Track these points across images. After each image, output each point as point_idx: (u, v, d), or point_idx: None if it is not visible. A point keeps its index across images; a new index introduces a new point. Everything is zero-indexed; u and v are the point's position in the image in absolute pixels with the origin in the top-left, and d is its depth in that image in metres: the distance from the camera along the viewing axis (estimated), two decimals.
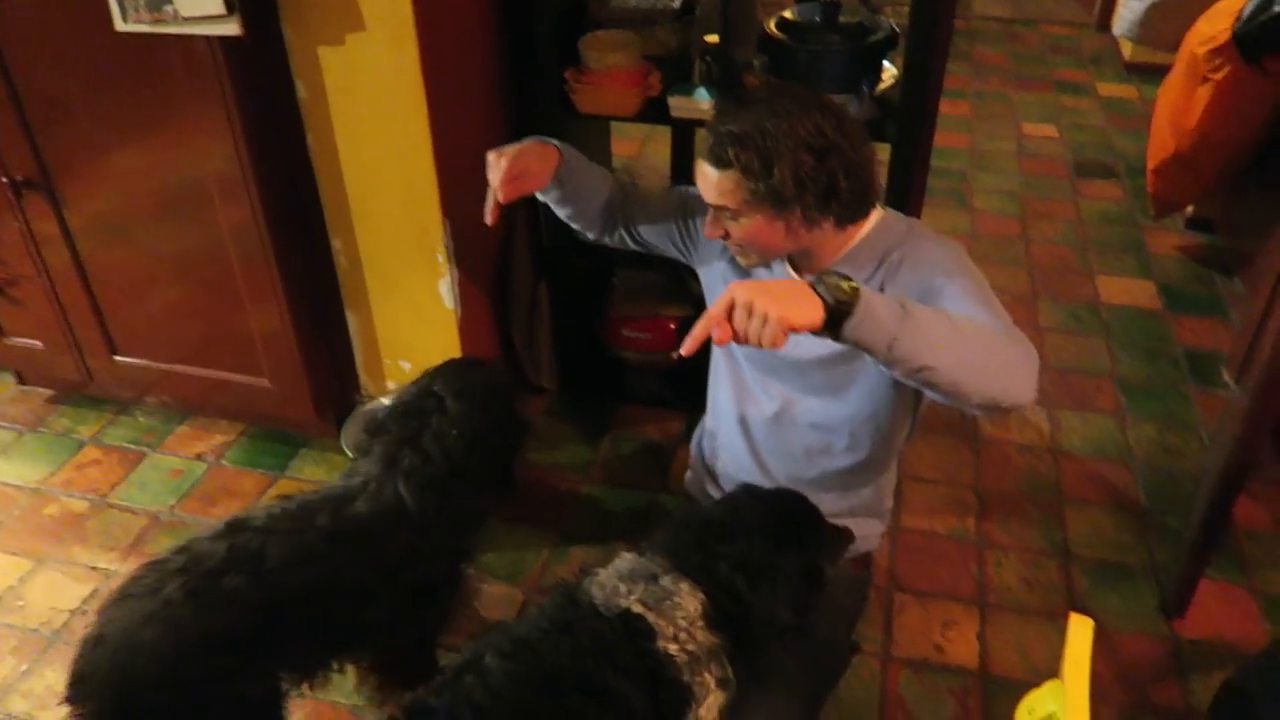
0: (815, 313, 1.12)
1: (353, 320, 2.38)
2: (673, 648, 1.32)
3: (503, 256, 2.47)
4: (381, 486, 1.58)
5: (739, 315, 1.12)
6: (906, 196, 2.11)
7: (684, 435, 2.53)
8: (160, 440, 2.59)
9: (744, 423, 1.72)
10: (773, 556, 1.38)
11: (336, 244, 2.25)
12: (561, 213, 1.78)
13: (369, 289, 2.31)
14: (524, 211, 2.42)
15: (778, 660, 1.57)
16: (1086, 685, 0.86)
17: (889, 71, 2.13)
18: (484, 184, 1.65)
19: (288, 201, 2.15)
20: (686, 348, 1.16)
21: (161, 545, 2.26)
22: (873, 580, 1.86)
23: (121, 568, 2.20)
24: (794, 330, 1.12)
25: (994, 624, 2.06)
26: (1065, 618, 2.01)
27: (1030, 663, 1.98)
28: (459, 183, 2.11)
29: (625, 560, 1.42)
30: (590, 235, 1.84)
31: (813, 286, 1.14)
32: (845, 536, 1.56)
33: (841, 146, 1.37)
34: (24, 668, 1.98)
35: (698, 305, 1.80)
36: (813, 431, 1.65)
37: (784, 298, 1.11)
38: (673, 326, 2.62)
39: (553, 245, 2.47)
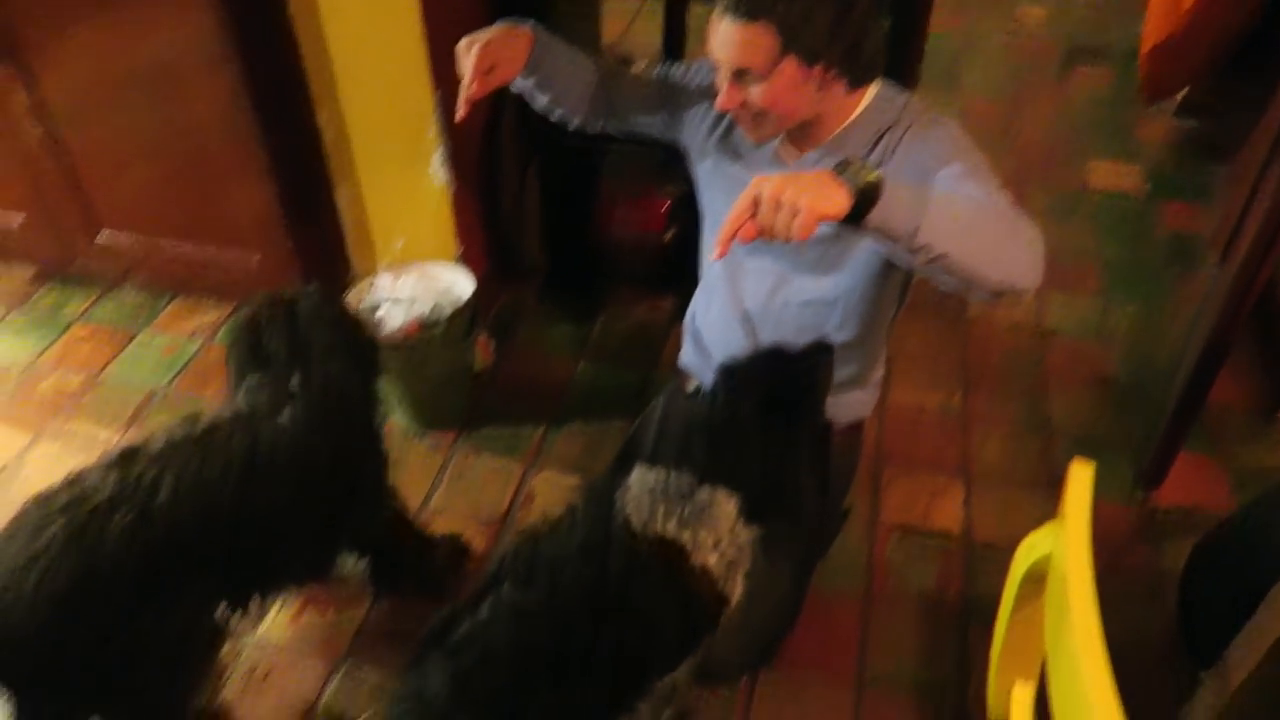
0: (843, 201, 1.11)
1: (342, 196, 2.34)
2: (712, 559, 1.34)
3: (493, 131, 2.43)
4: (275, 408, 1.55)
5: (765, 209, 1.11)
6: (901, 75, 2.08)
7: (676, 315, 2.54)
8: (150, 319, 2.58)
9: (736, 302, 1.73)
10: (787, 432, 1.39)
11: (322, 117, 2.19)
12: (538, 102, 1.69)
13: (357, 164, 2.26)
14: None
15: (773, 527, 1.63)
16: (1087, 528, 0.90)
17: None
18: None
19: (270, 73, 2.08)
20: (716, 254, 1.15)
21: (159, 419, 2.28)
22: (862, 447, 1.91)
23: (122, 439, 2.22)
24: (824, 220, 1.10)
25: (979, 494, 2.14)
26: (1045, 488, 2.12)
27: (1012, 530, 2.04)
28: (451, 52, 2.05)
29: (653, 475, 1.40)
30: (571, 124, 1.76)
31: (836, 175, 1.12)
32: (824, 349, 1.53)
33: (864, 1, 1.36)
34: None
35: (690, 184, 1.78)
36: (805, 309, 1.66)
37: (812, 188, 1.10)
38: (664, 207, 2.60)
39: (541, 123, 2.42)
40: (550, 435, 2.27)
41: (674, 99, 1.68)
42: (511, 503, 2.12)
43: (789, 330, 1.68)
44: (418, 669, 1.26)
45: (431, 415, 2.28)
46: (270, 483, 1.47)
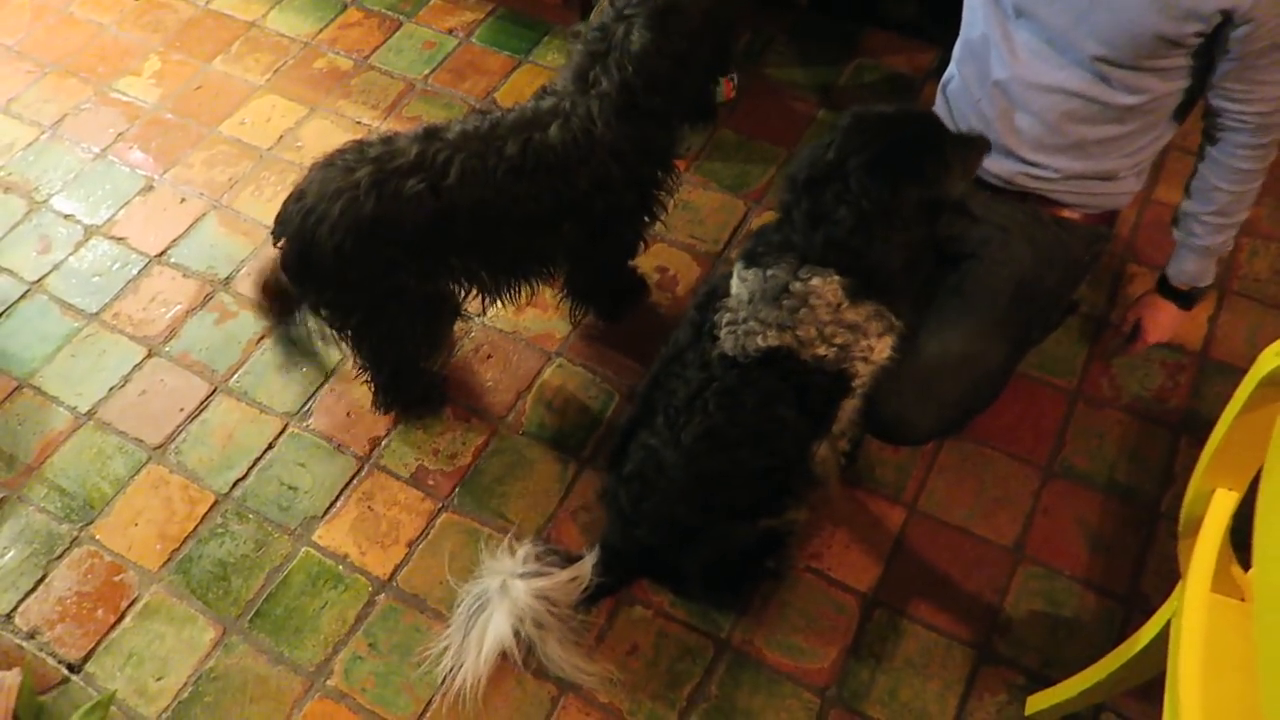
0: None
1: None
2: (821, 349, 1.33)
3: None
4: (573, 110, 1.55)
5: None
6: None
7: (934, 70, 2.36)
8: (415, 10, 2.67)
9: (996, 80, 1.56)
10: (885, 199, 1.28)
11: None
12: None
13: None
14: None
15: (990, 286, 1.57)
16: None
17: None
18: None
19: None
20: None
21: (416, 110, 2.42)
22: (1111, 242, 1.77)
23: (382, 125, 2.39)
24: None
25: (1230, 310, 1.96)
26: None
27: (1257, 353, 1.90)
28: None
29: (749, 279, 1.37)
30: None
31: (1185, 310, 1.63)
32: (979, 145, 1.43)
33: None
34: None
35: None
36: (1069, 99, 1.50)
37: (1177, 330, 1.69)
38: None
39: None
40: (779, 178, 2.24)
41: None
42: (729, 240, 2.15)
43: (1051, 116, 1.52)
44: (608, 495, 1.58)
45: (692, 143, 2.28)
46: (531, 185, 1.56)
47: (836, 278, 1.32)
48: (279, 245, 1.59)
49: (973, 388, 1.57)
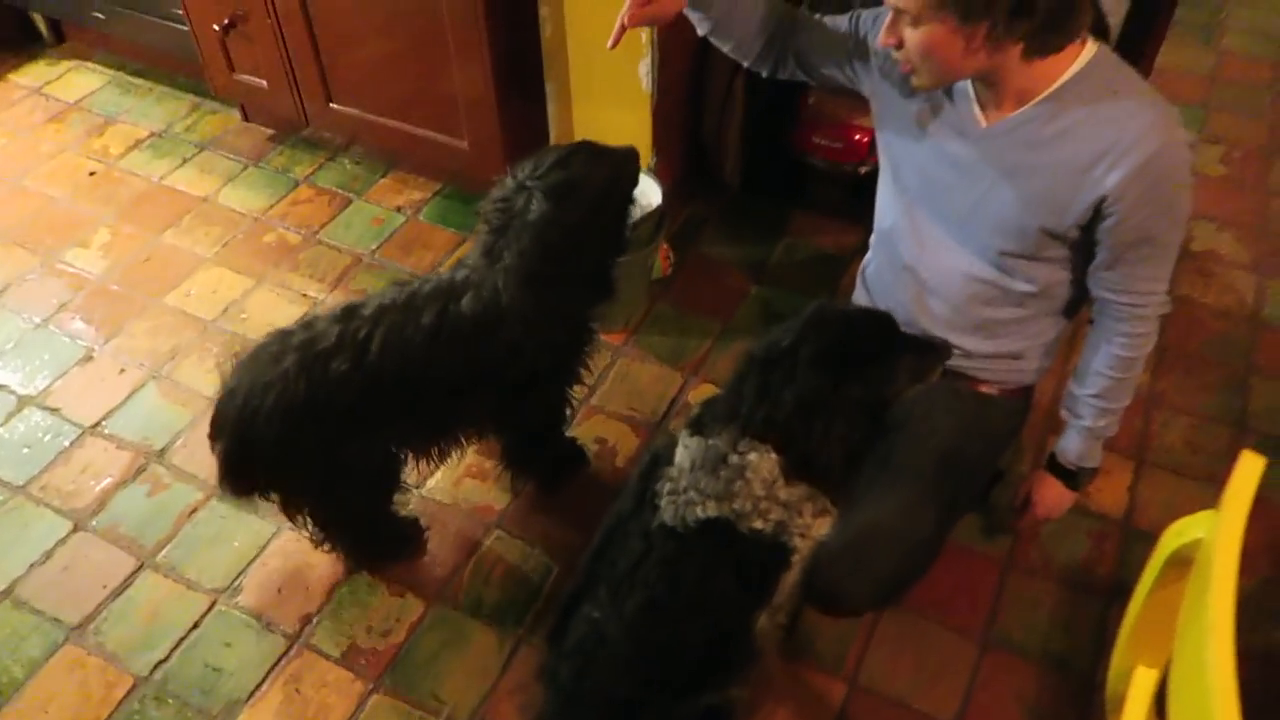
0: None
1: (550, 91, 2.41)
2: (758, 523, 1.34)
3: (703, 46, 2.43)
4: (482, 281, 1.62)
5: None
6: (1150, 24, 1.93)
7: (859, 248, 2.49)
8: (365, 188, 2.77)
9: (906, 265, 1.66)
10: (825, 393, 1.31)
11: (544, 11, 2.25)
12: (720, 44, 1.70)
13: (570, 62, 2.33)
14: None
15: (916, 458, 1.62)
16: (1243, 519, 0.87)
17: None
18: None
19: None
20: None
21: (363, 282, 2.48)
22: (1029, 414, 1.85)
23: (329, 298, 2.44)
24: None
25: (1148, 480, 2.04)
26: (1223, 485, 1.99)
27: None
28: None
29: (691, 446, 1.39)
30: (744, 64, 1.74)
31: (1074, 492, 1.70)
32: (940, 351, 1.48)
33: None
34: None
35: None
36: (976, 283, 1.61)
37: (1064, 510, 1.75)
38: (864, 138, 2.55)
39: None
40: (715, 351, 2.32)
41: (859, 45, 1.61)
42: (667, 411, 2.20)
43: (956, 298, 1.63)
44: (547, 672, 1.53)
45: (605, 316, 2.36)
46: (449, 353, 1.61)
47: (774, 455, 1.34)
48: (215, 446, 1.62)
49: (905, 559, 1.60)
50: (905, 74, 1.46)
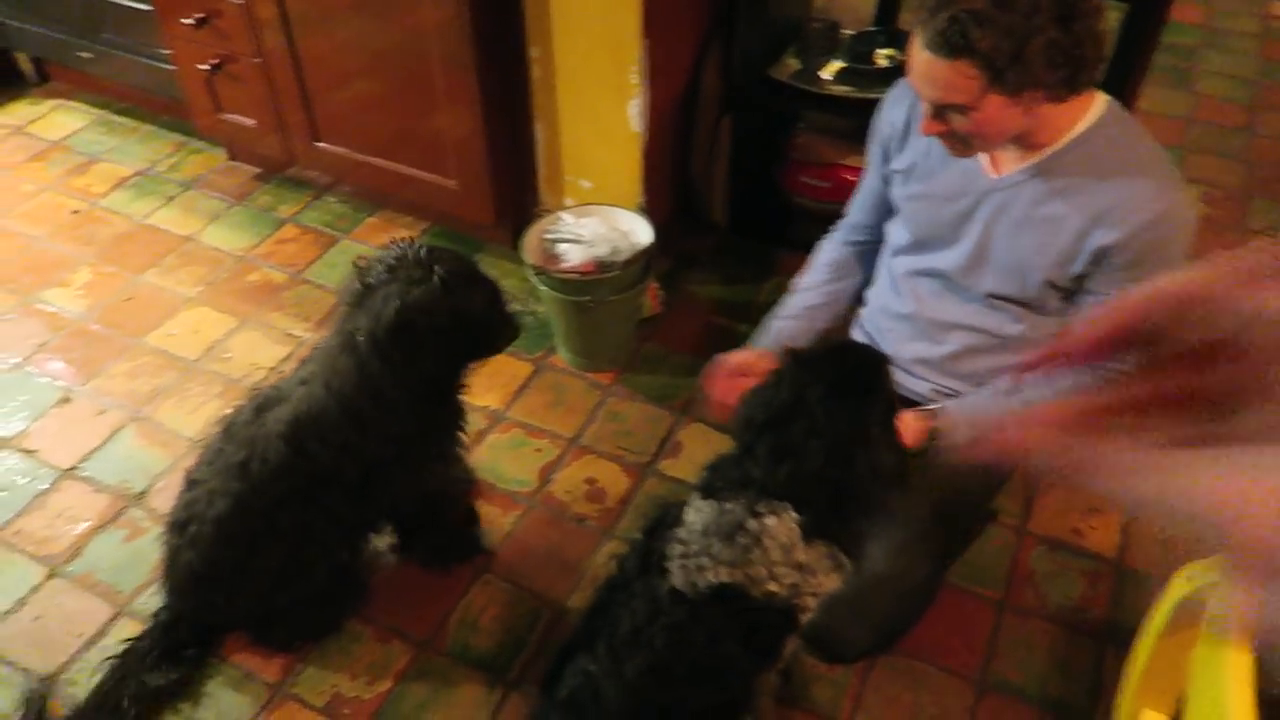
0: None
1: (540, 132, 2.42)
2: (772, 586, 1.30)
3: (691, 86, 2.45)
4: (293, 393, 1.62)
5: None
6: (1130, 68, 1.96)
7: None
8: (351, 228, 2.76)
9: (899, 314, 1.69)
10: (854, 419, 1.27)
11: (534, 53, 2.27)
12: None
13: (559, 103, 2.34)
14: (716, 44, 2.38)
15: (910, 505, 1.60)
16: None
17: None
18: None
19: (492, 5, 2.18)
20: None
21: None
22: None
23: (313, 337, 2.41)
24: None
25: (1141, 519, 2.03)
26: None
27: (1170, 559, 1.96)
28: (661, 3, 2.08)
29: (704, 510, 1.34)
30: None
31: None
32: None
33: (1087, 7, 1.25)
34: (228, 410, 2.22)
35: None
36: (969, 334, 1.61)
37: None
38: (853, 178, 2.56)
39: (741, 81, 2.42)
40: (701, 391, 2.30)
41: (882, 174, 1.69)
42: (657, 451, 2.17)
43: (953, 346, 1.63)
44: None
45: (594, 355, 2.35)
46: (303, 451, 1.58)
47: (793, 515, 1.28)
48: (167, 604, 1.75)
49: (901, 603, 1.59)
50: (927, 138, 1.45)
